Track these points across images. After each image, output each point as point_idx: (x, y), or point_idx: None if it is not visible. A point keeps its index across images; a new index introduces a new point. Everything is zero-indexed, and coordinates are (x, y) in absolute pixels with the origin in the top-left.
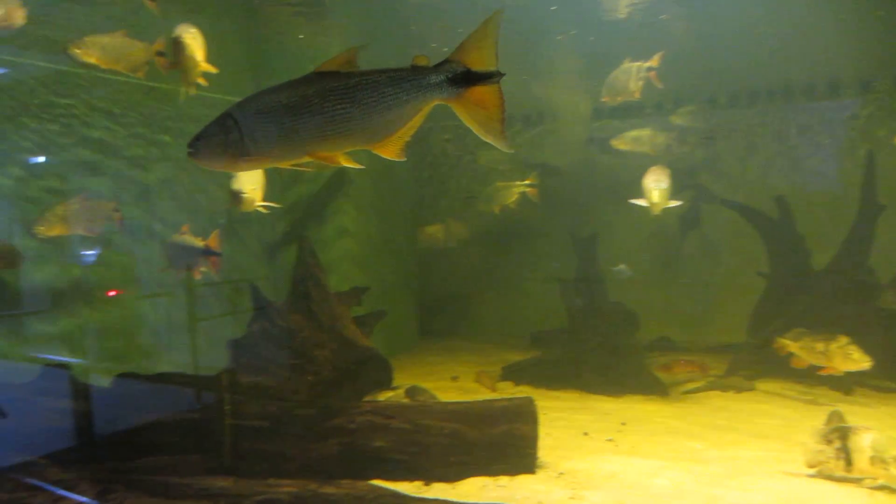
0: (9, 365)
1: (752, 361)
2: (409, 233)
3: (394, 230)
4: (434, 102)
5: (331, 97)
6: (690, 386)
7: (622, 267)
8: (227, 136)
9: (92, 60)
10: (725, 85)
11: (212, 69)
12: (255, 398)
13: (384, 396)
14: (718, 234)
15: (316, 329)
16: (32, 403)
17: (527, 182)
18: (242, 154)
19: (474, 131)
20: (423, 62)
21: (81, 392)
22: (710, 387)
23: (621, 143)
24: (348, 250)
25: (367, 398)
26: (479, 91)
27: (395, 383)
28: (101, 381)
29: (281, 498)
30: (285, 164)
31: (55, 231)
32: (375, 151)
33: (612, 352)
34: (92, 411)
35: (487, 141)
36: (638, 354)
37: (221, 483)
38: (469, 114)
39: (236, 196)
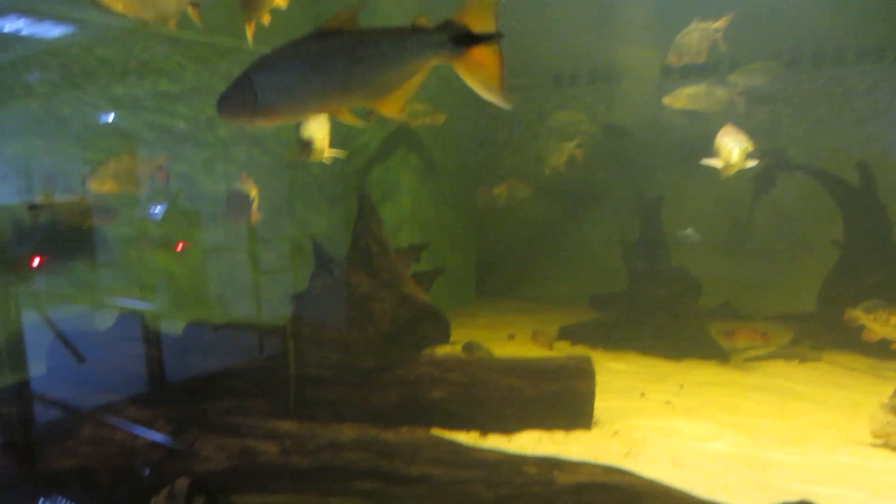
0: (86, 312)
1: (819, 332)
2: (469, 191)
3: (454, 188)
4: (435, 62)
5: (333, 56)
6: (752, 353)
7: (690, 231)
8: (244, 95)
9: (117, 7)
10: (808, 44)
11: (283, 3)
12: (317, 349)
13: (441, 352)
14: (791, 200)
15: (375, 284)
16: (110, 349)
17: (574, 143)
18: (257, 111)
19: (475, 90)
20: (423, 22)
21: (154, 339)
22: (774, 355)
23: (676, 101)
24: (408, 207)
25: (424, 352)
26: (480, 51)
27: (452, 339)
28: (173, 328)
29: (343, 441)
30: (299, 119)
31: (107, 187)
32: (377, 108)
33: (673, 316)
34: (164, 357)
35: (488, 100)
36: (699, 319)
37: (287, 426)
38: (470, 73)
39: (306, 145)
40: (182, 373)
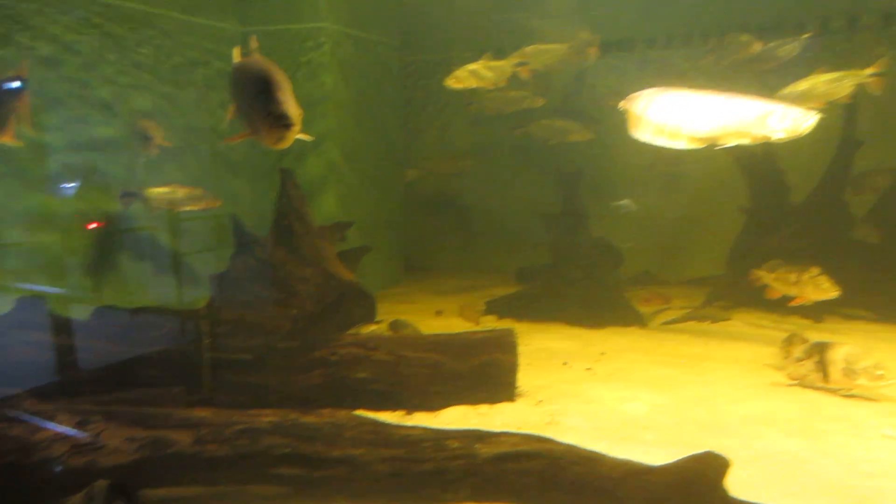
0: None
1: (729, 293)
2: (395, 169)
3: (380, 166)
4: None
5: None
6: (668, 317)
7: (626, 202)
8: None
9: None
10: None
11: None
12: (238, 331)
13: (367, 330)
14: (705, 171)
15: (299, 263)
16: (8, 336)
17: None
18: None
19: None
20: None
21: (59, 324)
22: (688, 318)
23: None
24: (332, 185)
25: (350, 332)
26: None
27: (379, 317)
28: (80, 313)
29: (261, 426)
30: None
31: None
32: None
33: (594, 285)
34: (71, 344)
35: None
36: (618, 288)
37: (202, 413)
38: None
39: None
40: (89, 361)
